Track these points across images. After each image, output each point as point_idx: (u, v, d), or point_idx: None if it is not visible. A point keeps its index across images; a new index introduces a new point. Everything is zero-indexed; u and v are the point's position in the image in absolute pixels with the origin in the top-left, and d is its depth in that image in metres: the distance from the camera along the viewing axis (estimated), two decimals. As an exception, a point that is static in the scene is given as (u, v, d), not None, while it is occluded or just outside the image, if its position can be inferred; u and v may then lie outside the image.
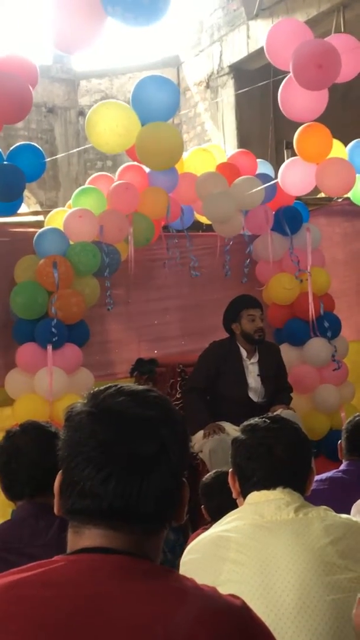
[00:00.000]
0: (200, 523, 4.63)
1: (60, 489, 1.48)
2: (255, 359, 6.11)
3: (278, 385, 6.16)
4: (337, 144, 6.32)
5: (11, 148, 5.83)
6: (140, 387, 1.53)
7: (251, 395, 6.03)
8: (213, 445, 5.53)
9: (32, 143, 6.34)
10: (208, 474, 4.38)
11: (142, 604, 1.31)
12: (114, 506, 1.40)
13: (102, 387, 1.51)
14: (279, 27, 5.51)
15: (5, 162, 5.58)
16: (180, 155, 5.84)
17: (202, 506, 4.24)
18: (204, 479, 4.36)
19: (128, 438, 1.42)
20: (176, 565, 3.55)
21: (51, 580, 1.35)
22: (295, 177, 6.34)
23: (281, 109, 5.57)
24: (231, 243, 6.76)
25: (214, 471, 4.38)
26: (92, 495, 1.41)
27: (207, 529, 3.89)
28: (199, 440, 5.62)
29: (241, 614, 1.37)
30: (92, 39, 4.50)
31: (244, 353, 6.10)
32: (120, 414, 1.45)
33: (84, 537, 1.43)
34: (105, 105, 5.81)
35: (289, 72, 5.42)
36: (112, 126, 5.59)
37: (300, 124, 6.19)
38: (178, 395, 6.35)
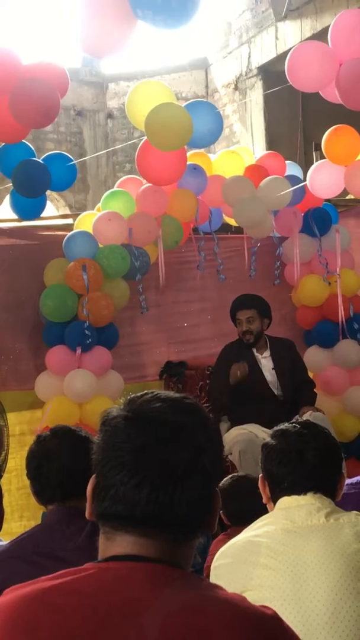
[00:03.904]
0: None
1: (93, 493, 1.47)
2: (267, 354, 6.14)
3: (297, 379, 6.16)
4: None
5: (42, 157, 5.84)
6: (177, 394, 1.53)
7: (270, 387, 6.04)
8: (243, 447, 5.52)
9: (63, 152, 6.35)
10: (224, 479, 4.32)
11: (173, 613, 1.31)
12: (147, 512, 1.40)
13: (138, 393, 1.51)
14: (300, 50, 5.39)
15: (30, 159, 5.58)
16: (189, 135, 5.63)
17: (221, 511, 4.20)
18: (220, 483, 4.32)
19: (163, 444, 1.42)
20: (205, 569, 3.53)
21: (82, 589, 1.35)
22: (324, 179, 6.32)
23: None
24: (259, 245, 6.76)
25: (229, 475, 4.34)
26: (125, 501, 1.41)
27: (228, 534, 3.88)
28: (228, 442, 5.61)
29: (272, 624, 1.36)
30: (122, 42, 4.50)
31: (253, 348, 6.12)
32: (155, 419, 1.44)
33: (116, 544, 1.43)
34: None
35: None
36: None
37: (329, 126, 6.17)
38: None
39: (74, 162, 5.98)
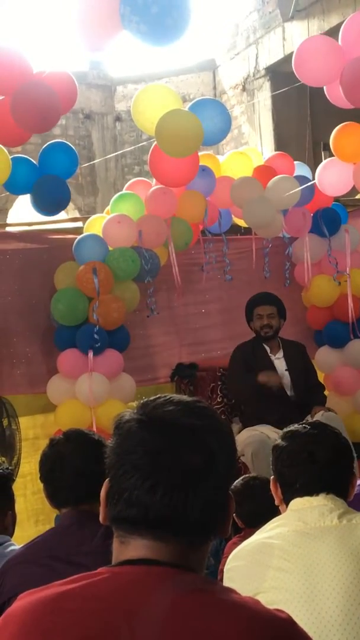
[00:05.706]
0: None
1: (107, 497, 1.47)
2: (280, 355, 6.20)
3: (308, 382, 6.19)
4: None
5: (44, 146, 5.84)
6: (189, 398, 1.52)
7: (284, 388, 6.06)
8: (255, 449, 5.52)
9: (64, 141, 6.31)
10: (237, 480, 4.32)
11: (187, 617, 1.31)
12: (160, 516, 1.40)
13: (151, 397, 1.52)
14: (308, 44, 5.42)
15: (48, 175, 5.59)
16: (200, 141, 5.64)
17: (234, 513, 4.20)
18: (232, 485, 4.32)
19: (176, 447, 1.42)
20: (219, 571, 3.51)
21: (95, 594, 1.35)
22: (332, 177, 6.30)
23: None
24: (270, 245, 6.75)
25: (241, 477, 4.35)
26: (138, 504, 1.41)
27: (241, 536, 3.88)
28: (240, 444, 5.61)
29: (286, 627, 1.36)
30: (113, 34, 4.45)
31: (267, 349, 6.19)
32: (168, 423, 1.44)
33: (130, 548, 1.42)
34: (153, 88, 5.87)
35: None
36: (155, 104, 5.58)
37: (337, 125, 6.17)
38: (219, 399, 6.36)
39: (81, 165, 5.98)
